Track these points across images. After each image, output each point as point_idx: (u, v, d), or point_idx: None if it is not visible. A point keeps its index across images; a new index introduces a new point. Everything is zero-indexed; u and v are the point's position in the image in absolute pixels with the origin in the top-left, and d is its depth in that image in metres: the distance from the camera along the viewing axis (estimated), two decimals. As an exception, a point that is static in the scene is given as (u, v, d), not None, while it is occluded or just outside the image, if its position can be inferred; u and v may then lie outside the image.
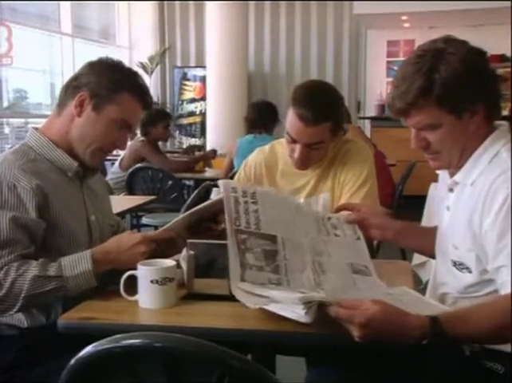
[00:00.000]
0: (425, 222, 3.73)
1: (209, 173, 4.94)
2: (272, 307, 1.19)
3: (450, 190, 1.43)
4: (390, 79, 8.33)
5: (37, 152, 1.57)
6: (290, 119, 1.88)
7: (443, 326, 1.13)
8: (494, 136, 1.35)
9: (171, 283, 1.36)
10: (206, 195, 3.25)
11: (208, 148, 6.80)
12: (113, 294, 1.43)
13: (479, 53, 1.34)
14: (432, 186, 3.79)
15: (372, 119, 7.78)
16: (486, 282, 1.31)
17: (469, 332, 1.16)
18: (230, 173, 4.22)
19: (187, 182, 5.16)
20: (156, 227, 4.32)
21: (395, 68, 8.32)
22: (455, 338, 1.15)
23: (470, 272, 1.33)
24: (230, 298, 1.32)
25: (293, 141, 1.90)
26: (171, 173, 4.39)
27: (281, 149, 2.07)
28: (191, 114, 8.67)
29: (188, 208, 3.23)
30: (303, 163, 1.95)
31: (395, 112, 1.34)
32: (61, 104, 1.59)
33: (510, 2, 6.44)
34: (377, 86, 8.15)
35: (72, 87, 1.57)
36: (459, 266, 1.36)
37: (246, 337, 1.27)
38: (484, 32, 7.35)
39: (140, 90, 1.61)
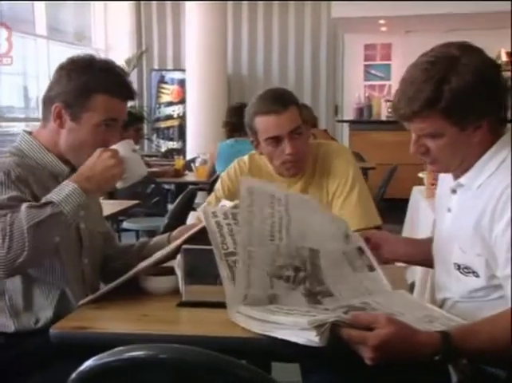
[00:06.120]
0: (407, 227, 3.74)
1: (189, 177, 4.89)
2: (279, 334, 1.14)
3: (453, 191, 1.41)
4: (367, 83, 8.44)
5: (28, 156, 1.54)
6: (263, 124, 1.90)
7: (454, 341, 1.10)
8: (502, 140, 1.33)
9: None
10: (190, 200, 3.23)
11: (188, 151, 6.75)
12: (105, 302, 1.41)
13: (494, 66, 1.32)
14: (414, 190, 3.80)
15: (351, 122, 7.82)
16: (494, 288, 1.30)
17: (482, 344, 1.14)
18: (211, 177, 4.19)
19: (167, 186, 5.12)
20: (138, 232, 4.28)
21: (373, 71, 8.47)
22: (468, 352, 1.13)
23: (477, 276, 1.31)
24: (226, 304, 1.29)
25: (277, 140, 1.88)
26: (152, 178, 4.34)
27: (260, 162, 2.05)
28: (169, 117, 8.62)
29: (173, 214, 3.22)
30: (297, 157, 1.91)
31: (399, 116, 1.32)
32: (44, 118, 1.58)
33: (486, 8, 6.55)
34: (355, 90, 8.19)
35: (48, 99, 1.55)
36: (464, 269, 1.34)
37: (245, 345, 1.24)
38: (461, 37, 7.36)
39: (113, 85, 1.54)
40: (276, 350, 1.34)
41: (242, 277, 1.31)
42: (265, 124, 1.89)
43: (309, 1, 8.22)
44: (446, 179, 1.47)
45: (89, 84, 1.51)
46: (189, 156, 6.24)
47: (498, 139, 1.33)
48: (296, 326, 1.12)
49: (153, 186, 4.31)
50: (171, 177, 4.76)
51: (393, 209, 3.95)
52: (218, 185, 2.07)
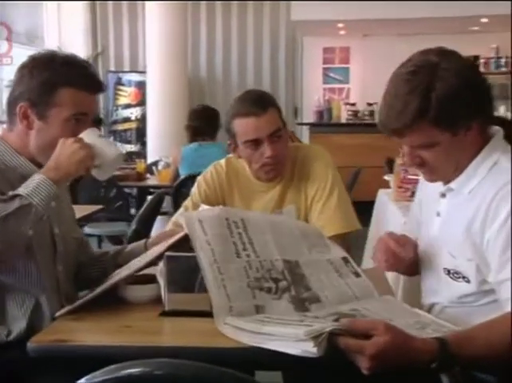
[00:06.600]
0: (373, 229, 3.76)
1: (152, 181, 4.80)
2: (272, 345, 1.11)
3: (443, 195, 1.40)
4: (326, 85, 8.48)
5: None
6: (242, 126, 1.86)
7: (451, 348, 1.09)
8: (491, 144, 1.33)
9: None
10: (158, 204, 3.16)
11: (149, 154, 6.63)
12: (84, 312, 1.36)
13: (472, 66, 1.33)
14: (380, 192, 3.82)
15: (311, 125, 7.85)
16: (484, 293, 1.29)
17: (478, 350, 1.13)
18: (175, 181, 4.12)
19: (128, 190, 5.01)
20: (100, 237, 4.17)
21: (332, 74, 8.52)
22: (465, 359, 1.11)
23: (467, 282, 1.31)
24: (210, 313, 1.26)
25: (257, 143, 1.85)
26: (115, 181, 4.24)
27: (238, 165, 2.01)
28: (127, 120, 8.46)
29: (141, 219, 3.14)
30: (276, 160, 1.87)
31: (389, 131, 1.30)
32: (10, 121, 1.51)
33: (443, 13, 6.68)
34: (314, 92, 8.22)
35: (12, 100, 1.49)
36: (454, 274, 1.33)
37: (231, 355, 1.19)
38: (418, 41, 7.53)
39: (78, 78, 1.48)
40: (262, 360, 1.31)
41: (218, 291, 1.28)
42: (244, 126, 1.85)
43: (268, 2, 8.21)
44: (429, 184, 1.46)
45: (52, 79, 1.46)
46: (150, 160, 6.13)
47: (487, 140, 1.33)
48: (291, 337, 1.09)
49: (115, 190, 4.20)
50: (134, 181, 4.67)
51: (359, 212, 3.94)
52: (194, 189, 2.02)
